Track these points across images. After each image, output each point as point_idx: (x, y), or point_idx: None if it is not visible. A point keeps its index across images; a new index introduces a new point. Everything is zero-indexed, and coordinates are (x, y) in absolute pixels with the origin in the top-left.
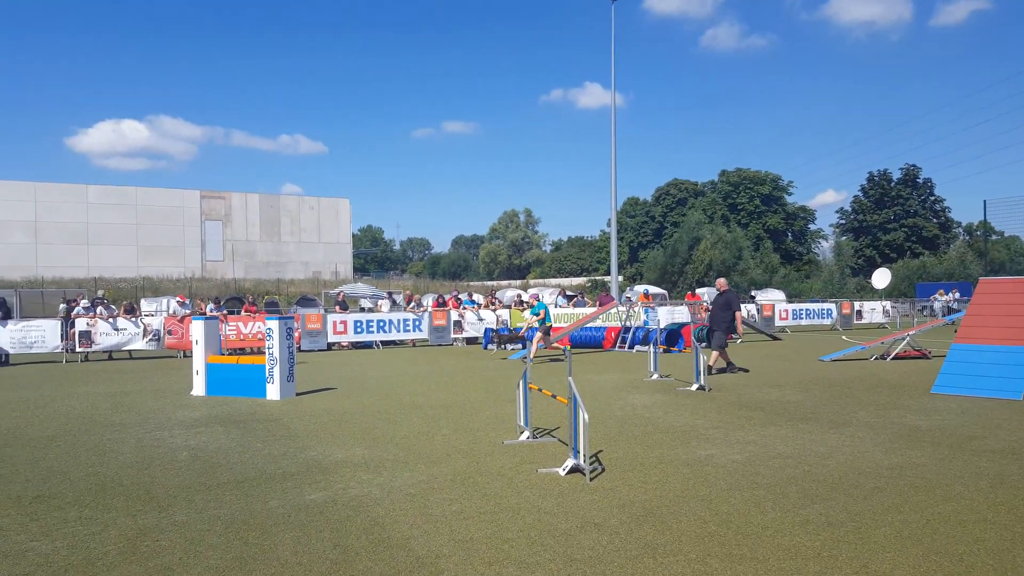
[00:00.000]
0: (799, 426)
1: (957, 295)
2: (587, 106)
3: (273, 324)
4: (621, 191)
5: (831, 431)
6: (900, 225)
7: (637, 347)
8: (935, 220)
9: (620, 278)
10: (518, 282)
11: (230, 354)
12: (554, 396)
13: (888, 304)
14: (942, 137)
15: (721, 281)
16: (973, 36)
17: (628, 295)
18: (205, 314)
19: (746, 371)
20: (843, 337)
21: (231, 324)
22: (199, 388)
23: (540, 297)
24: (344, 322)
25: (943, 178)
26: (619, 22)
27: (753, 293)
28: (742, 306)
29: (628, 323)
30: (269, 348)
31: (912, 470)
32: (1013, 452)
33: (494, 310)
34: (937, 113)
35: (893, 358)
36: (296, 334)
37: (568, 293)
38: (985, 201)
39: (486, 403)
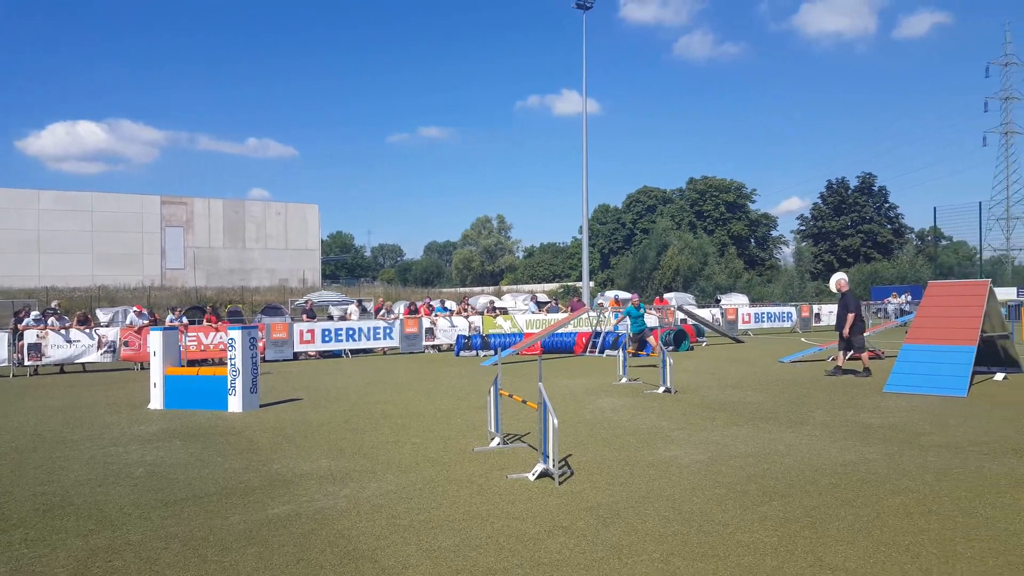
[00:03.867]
0: (759, 426)
1: (909, 298)
2: (564, 113)
3: (235, 334)
4: (594, 198)
5: (789, 430)
6: (856, 231)
7: (607, 351)
8: (889, 226)
9: (591, 284)
10: (491, 288)
11: (190, 366)
12: (524, 401)
13: None
14: (898, 146)
15: (839, 281)
16: (935, 48)
17: (599, 301)
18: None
19: (869, 374)
20: (802, 339)
21: (191, 335)
22: (157, 401)
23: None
24: (311, 331)
25: (897, 185)
26: (598, 30)
27: (718, 297)
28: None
29: (599, 328)
30: (231, 359)
31: (864, 466)
32: (956, 447)
33: (466, 317)
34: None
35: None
36: (260, 344)
37: (540, 300)
38: (935, 208)
39: (457, 410)
